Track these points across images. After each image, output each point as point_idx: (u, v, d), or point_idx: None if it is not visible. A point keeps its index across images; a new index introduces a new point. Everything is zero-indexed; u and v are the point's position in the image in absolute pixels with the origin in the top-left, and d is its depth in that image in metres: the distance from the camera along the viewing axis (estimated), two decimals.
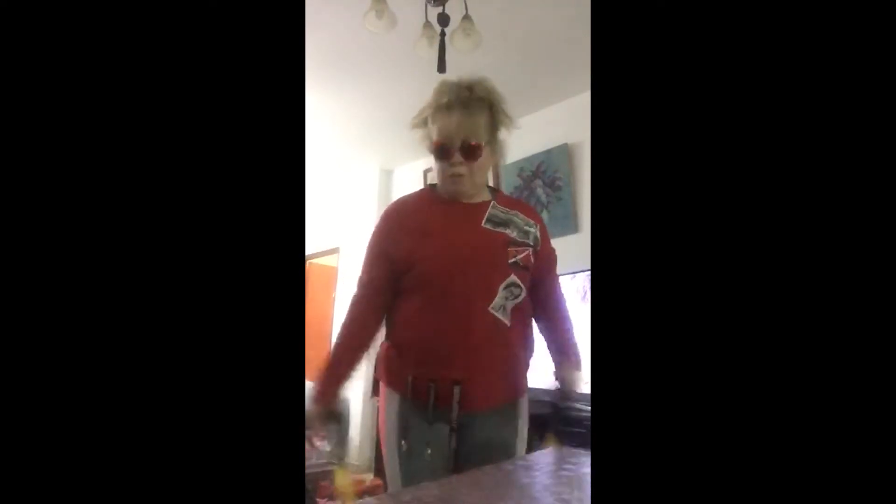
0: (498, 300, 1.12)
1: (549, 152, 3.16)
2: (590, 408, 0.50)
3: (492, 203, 1.21)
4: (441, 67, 1.86)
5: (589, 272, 2.50)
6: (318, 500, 2.84)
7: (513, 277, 1.14)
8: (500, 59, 2.68)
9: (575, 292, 2.51)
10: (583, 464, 0.86)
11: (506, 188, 3.32)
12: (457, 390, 1.10)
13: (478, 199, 1.22)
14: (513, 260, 1.15)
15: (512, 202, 1.27)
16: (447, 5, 1.91)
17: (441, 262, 1.13)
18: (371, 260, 1.21)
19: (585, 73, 2.76)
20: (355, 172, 4.47)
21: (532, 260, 1.18)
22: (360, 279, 1.22)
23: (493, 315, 1.12)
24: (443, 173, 1.17)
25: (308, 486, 2.73)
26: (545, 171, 3.17)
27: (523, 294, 1.16)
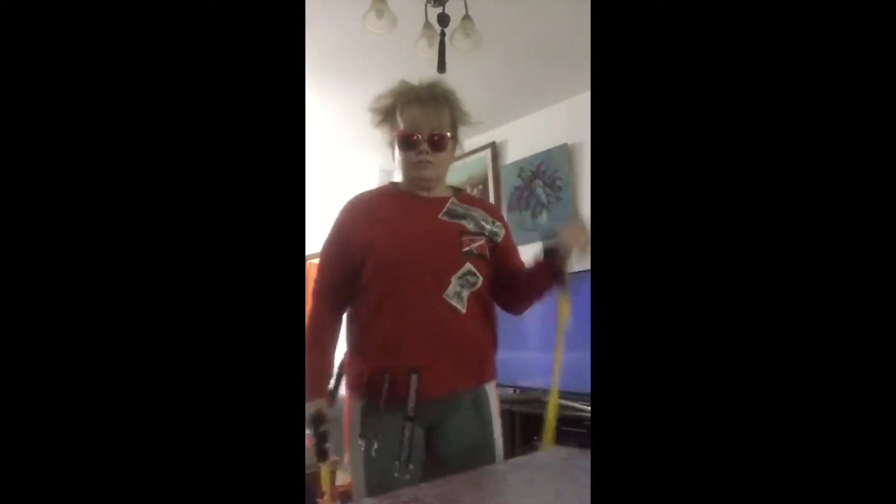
0: (452, 288, 1.13)
1: (549, 152, 3.16)
2: (590, 408, 0.50)
3: (451, 199, 1.24)
4: (441, 67, 1.86)
5: (589, 272, 2.49)
6: (318, 500, 2.84)
7: (468, 266, 1.15)
8: (500, 59, 2.68)
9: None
10: (583, 464, 0.86)
11: (506, 188, 3.32)
12: (414, 378, 1.09)
13: (437, 195, 1.24)
14: (467, 249, 1.16)
15: (473, 200, 1.29)
16: (447, 5, 1.91)
17: (394, 247, 1.15)
18: (326, 257, 1.23)
19: (585, 73, 2.76)
20: (355, 172, 4.47)
21: (487, 251, 1.19)
22: (315, 286, 1.23)
23: (447, 302, 1.13)
24: (408, 161, 1.20)
25: (308, 485, 2.73)
26: (545, 171, 3.17)
27: (480, 282, 1.16)
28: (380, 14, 1.88)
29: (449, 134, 1.20)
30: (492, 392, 1.22)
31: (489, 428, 1.18)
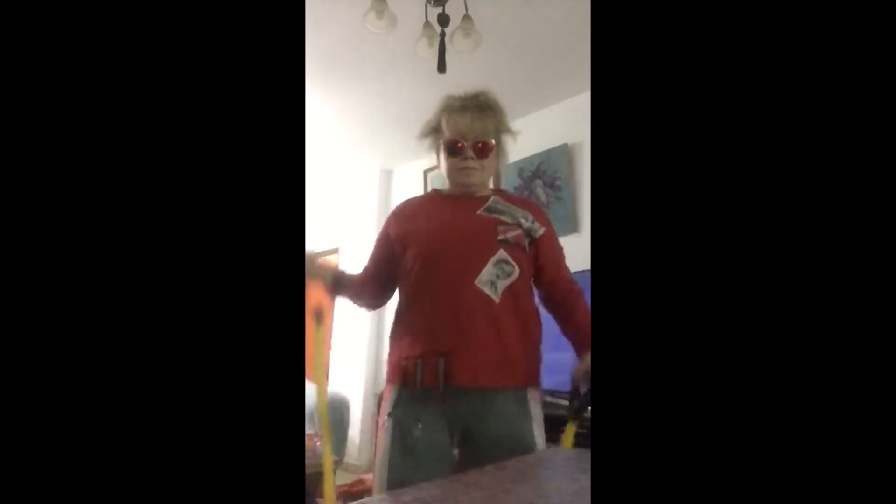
0: (485, 275, 1.14)
1: (549, 152, 3.16)
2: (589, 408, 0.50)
3: (492, 197, 1.27)
4: (441, 67, 1.86)
5: (589, 272, 2.49)
6: (318, 500, 2.84)
7: (502, 253, 1.16)
8: (501, 59, 2.68)
9: None
10: (583, 464, 0.86)
11: (506, 188, 3.32)
12: (441, 362, 1.11)
13: (479, 195, 1.28)
14: (502, 237, 1.18)
15: (516, 200, 1.31)
16: (447, 5, 1.91)
17: (431, 238, 1.20)
18: (374, 248, 1.35)
19: (585, 73, 2.76)
20: (355, 172, 4.47)
21: (525, 242, 1.20)
22: (363, 269, 1.36)
23: (478, 289, 1.13)
24: (453, 167, 1.25)
25: (308, 486, 2.73)
26: (545, 171, 3.17)
27: (516, 273, 1.16)
28: (380, 14, 1.88)
29: (493, 141, 1.25)
30: (534, 398, 1.19)
31: (531, 428, 1.15)
